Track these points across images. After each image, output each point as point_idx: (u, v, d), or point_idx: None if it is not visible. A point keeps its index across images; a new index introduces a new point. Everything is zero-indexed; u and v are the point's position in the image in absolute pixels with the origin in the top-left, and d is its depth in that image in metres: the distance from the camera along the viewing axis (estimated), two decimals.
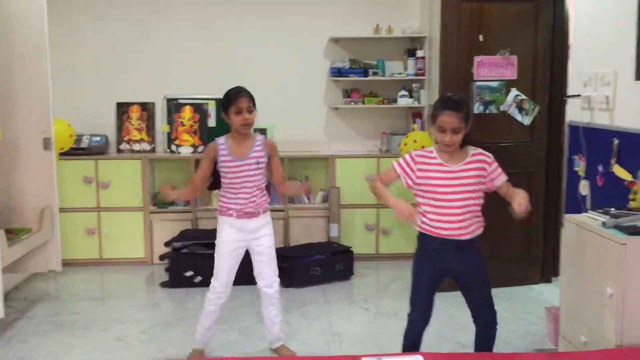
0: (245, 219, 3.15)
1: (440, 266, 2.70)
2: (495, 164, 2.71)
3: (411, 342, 2.78)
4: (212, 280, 3.24)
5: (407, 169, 2.68)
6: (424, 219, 2.67)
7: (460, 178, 2.63)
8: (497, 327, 2.80)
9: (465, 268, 2.70)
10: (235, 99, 3.09)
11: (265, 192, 3.22)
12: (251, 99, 3.13)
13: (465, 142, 2.67)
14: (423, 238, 2.72)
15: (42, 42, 3.96)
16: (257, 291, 3.32)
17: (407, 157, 2.71)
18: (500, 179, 2.70)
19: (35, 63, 3.97)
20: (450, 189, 2.62)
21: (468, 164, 2.65)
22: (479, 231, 2.70)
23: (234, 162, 3.10)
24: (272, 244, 3.25)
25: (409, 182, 2.68)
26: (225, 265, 3.19)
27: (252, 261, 3.25)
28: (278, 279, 3.29)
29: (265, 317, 3.33)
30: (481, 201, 2.69)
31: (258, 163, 3.12)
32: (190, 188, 3.32)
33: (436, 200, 2.64)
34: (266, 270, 3.23)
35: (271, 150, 3.21)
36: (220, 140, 3.16)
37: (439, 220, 2.64)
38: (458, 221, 2.62)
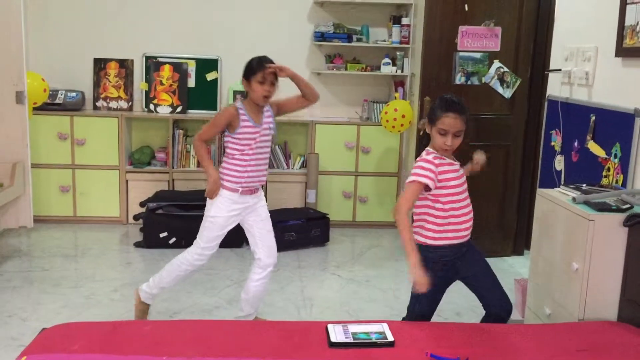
0: (248, 196, 3.04)
1: (448, 276, 2.56)
2: None
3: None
4: (198, 246, 3.06)
5: (432, 175, 2.43)
6: (440, 228, 2.49)
7: (463, 176, 2.55)
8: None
9: (471, 265, 2.57)
10: (261, 68, 2.93)
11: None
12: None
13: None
14: (436, 252, 2.50)
15: None
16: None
17: (424, 164, 2.45)
18: None
19: (7, 12, 3.85)
20: (462, 188, 2.52)
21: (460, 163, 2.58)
22: None
23: (254, 128, 2.98)
24: (268, 214, 3.16)
25: (435, 184, 2.45)
26: (218, 236, 3.06)
27: (248, 235, 3.13)
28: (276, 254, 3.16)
29: (251, 291, 3.12)
30: None
31: (270, 128, 3.06)
32: (204, 146, 3.10)
33: (453, 203, 2.48)
34: (270, 242, 3.13)
35: (276, 106, 3.12)
36: (239, 105, 3.01)
37: (459, 222, 2.49)
38: (470, 220, 2.54)
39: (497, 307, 2.53)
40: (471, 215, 2.55)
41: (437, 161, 2.45)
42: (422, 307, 2.58)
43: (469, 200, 2.55)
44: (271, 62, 2.99)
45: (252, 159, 3.01)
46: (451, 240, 2.49)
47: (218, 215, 3.02)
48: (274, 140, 5.08)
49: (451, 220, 2.48)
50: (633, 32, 2.74)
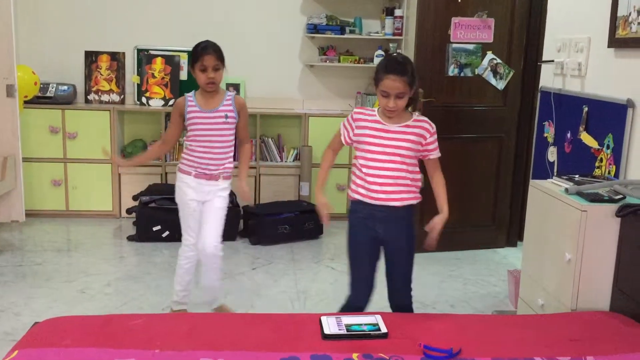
0: (203, 180, 3.03)
1: (370, 235, 2.56)
2: (435, 137, 2.53)
3: None
4: (183, 240, 3.12)
5: (347, 126, 2.57)
6: (357, 182, 2.55)
7: (395, 140, 2.47)
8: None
9: (392, 239, 2.56)
10: (201, 56, 2.91)
11: (231, 156, 3.08)
12: (219, 56, 2.94)
13: (412, 106, 2.53)
14: (353, 206, 2.59)
15: None
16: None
17: (349, 115, 2.59)
18: (433, 154, 2.55)
19: None
20: (383, 149, 2.47)
21: (407, 127, 2.48)
22: (411, 202, 2.52)
23: (201, 113, 2.98)
24: (223, 206, 3.08)
25: (347, 138, 2.58)
26: (190, 223, 3.08)
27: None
28: (219, 244, 3.07)
29: (202, 282, 3.19)
30: (415, 175, 2.53)
31: (227, 117, 3.01)
32: (158, 145, 3.25)
33: (368, 160, 2.49)
34: (208, 229, 3.04)
35: (240, 108, 3.08)
36: (190, 94, 3.07)
37: (369, 182, 2.49)
38: (388, 184, 2.48)
39: (392, 299, 2.66)
40: (389, 180, 2.47)
41: (357, 116, 2.54)
42: (356, 287, 2.63)
43: (390, 165, 2.47)
44: (213, 49, 2.94)
45: (204, 144, 2.99)
46: (362, 196, 2.52)
47: (180, 202, 3.09)
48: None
49: (366, 178, 2.50)
50: (625, 22, 2.74)
